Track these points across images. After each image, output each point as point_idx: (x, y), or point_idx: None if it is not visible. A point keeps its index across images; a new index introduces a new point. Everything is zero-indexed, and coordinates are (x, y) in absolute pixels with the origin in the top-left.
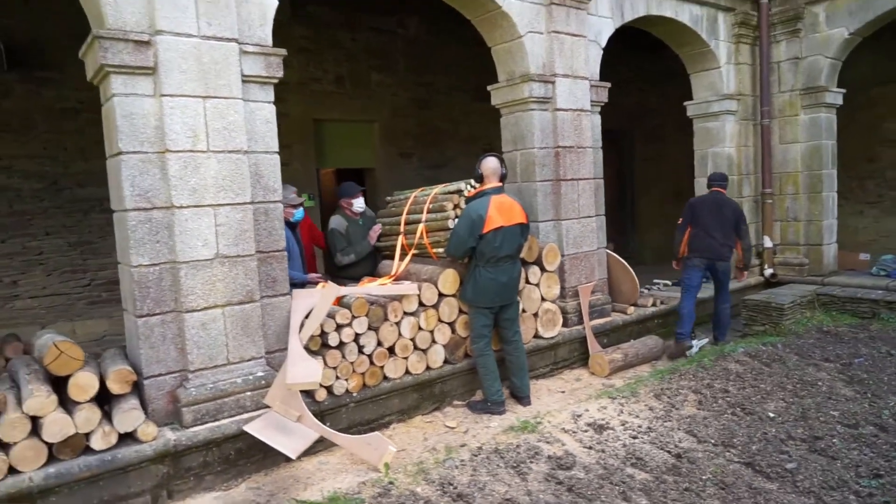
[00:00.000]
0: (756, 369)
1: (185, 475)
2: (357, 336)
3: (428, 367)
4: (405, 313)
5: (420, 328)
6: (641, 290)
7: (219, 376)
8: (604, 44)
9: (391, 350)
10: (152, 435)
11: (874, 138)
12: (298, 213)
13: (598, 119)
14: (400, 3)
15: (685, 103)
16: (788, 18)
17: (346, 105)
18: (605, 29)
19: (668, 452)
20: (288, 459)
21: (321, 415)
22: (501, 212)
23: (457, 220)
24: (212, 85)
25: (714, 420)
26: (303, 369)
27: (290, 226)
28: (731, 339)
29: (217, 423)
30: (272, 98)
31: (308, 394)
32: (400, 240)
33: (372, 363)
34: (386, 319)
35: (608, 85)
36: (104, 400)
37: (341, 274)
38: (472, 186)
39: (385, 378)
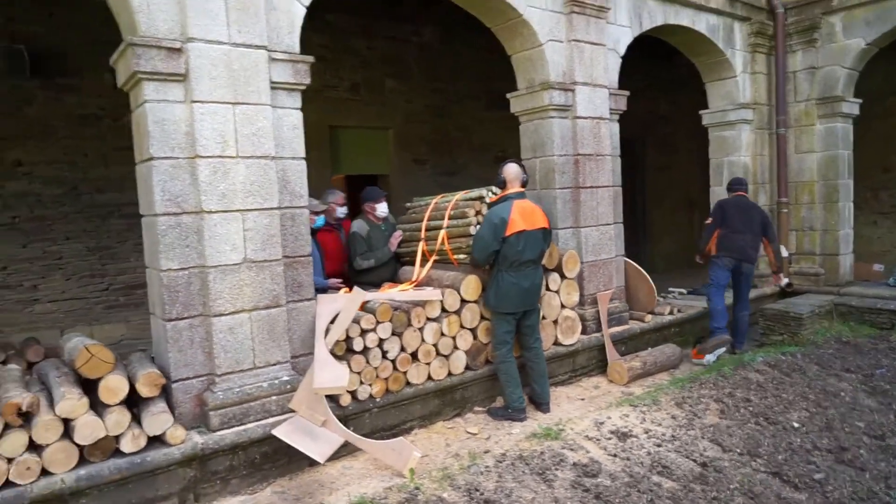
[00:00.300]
0: (777, 379)
1: (212, 479)
2: (381, 341)
3: (450, 373)
4: (428, 319)
5: (442, 334)
6: (658, 298)
7: (245, 380)
8: (622, 52)
9: (414, 356)
10: (181, 438)
11: (889, 148)
12: (319, 221)
13: (616, 127)
14: (416, 11)
15: (701, 112)
16: (805, 28)
17: (361, 112)
18: (623, 37)
19: (694, 461)
20: (312, 464)
21: (345, 420)
22: (524, 216)
23: (477, 226)
24: (241, 91)
25: (738, 429)
26: (330, 374)
27: (311, 232)
28: (749, 347)
29: (243, 427)
30: (299, 104)
31: (332, 398)
32: (420, 246)
33: (395, 368)
34: (409, 325)
35: (627, 93)
36: (131, 403)
37: (361, 279)
38: (493, 193)
39: (408, 383)
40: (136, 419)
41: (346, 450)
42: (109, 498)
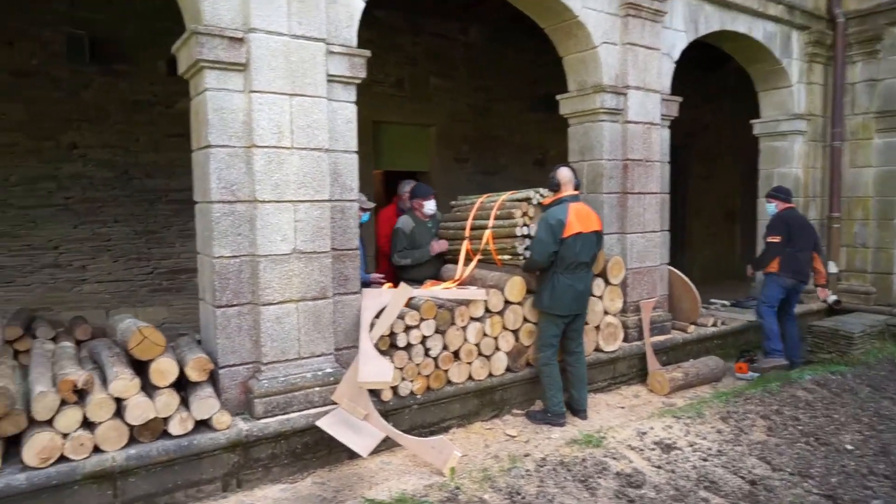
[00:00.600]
0: (826, 398)
1: (254, 466)
2: (424, 338)
3: (490, 374)
4: (471, 318)
5: (485, 334)
6: (701, 309)
7: (290, 370)
8: (676, 57)
9: (456, 354)
10: (226, 424)
11: None
12: (364, 217)
13: (667, 133)
14: (463, 9)
15: (752, 121)
16: (866, 39)
17: (404, 108)
18: (678, 42)
19: (742, 478)
20: (351, 457)
21: (385, 415)
22: (580, 218)
23: (524, 227)
24: (298, 83)
25: (787, 448)
26: (375, 368)
27: None
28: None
29: (287, 417)
30: (354, 98)
31: (374, 393)
32: (465, 245)
33: (437, 366)
34: (453, 323)
35: (679, 99)
36: (178, 387)
37: (404, 275)
38: (541, 195)
39: (448, 382)
40: (184, 402)
41: (384, 445)
42: (156, 478)
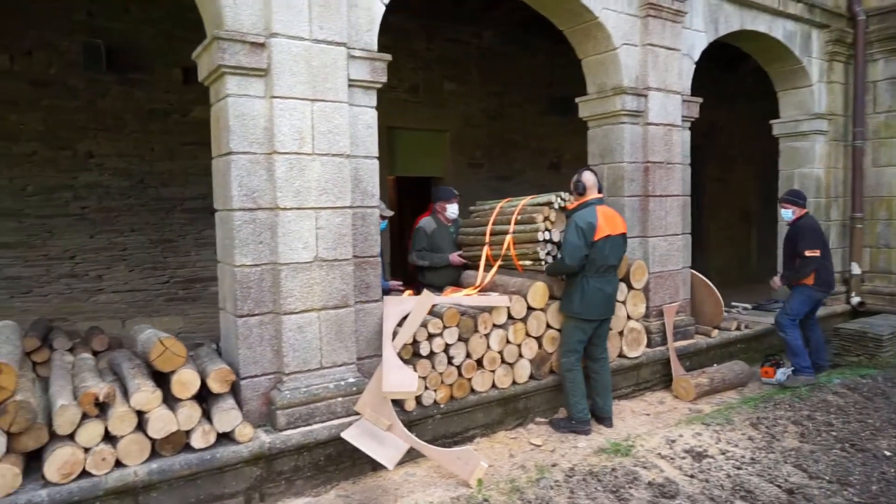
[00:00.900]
0: (858, 403)
1: (277, 479)
2: (447, 346)
3: (514, 382)
4: (494, 325)
5: (508, 341)
6: (723, 313)
7: (312, 380)
8: (696, 58)
9: (479, 362)
10: (249, 436)
11: None
12: (382, 225)
13: (687, 135)
14: (477, 14)
15: (771, 122)
16: (888, 36)
17: (419, 114)
18: (698, 43)
19: (779, 487)
20: (375, 469)
21: (408, 425)
22: (607, 220)
23: (545, 232)
24: (319, 88)
25: (823, 455)
26: (399, 377)
27: None
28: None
29: (309, 428)
30: (374, 103)
31: (397, 403)
32: (485, 250)
33: (460, 375)
34: (476, 331)
35: (700, 100)
36: (199, 398)
37: (424, 281)
38: (563, 199)
39: (472, 391)
40: (205, 415)
41: (408, 456)
42: (179, 492)
